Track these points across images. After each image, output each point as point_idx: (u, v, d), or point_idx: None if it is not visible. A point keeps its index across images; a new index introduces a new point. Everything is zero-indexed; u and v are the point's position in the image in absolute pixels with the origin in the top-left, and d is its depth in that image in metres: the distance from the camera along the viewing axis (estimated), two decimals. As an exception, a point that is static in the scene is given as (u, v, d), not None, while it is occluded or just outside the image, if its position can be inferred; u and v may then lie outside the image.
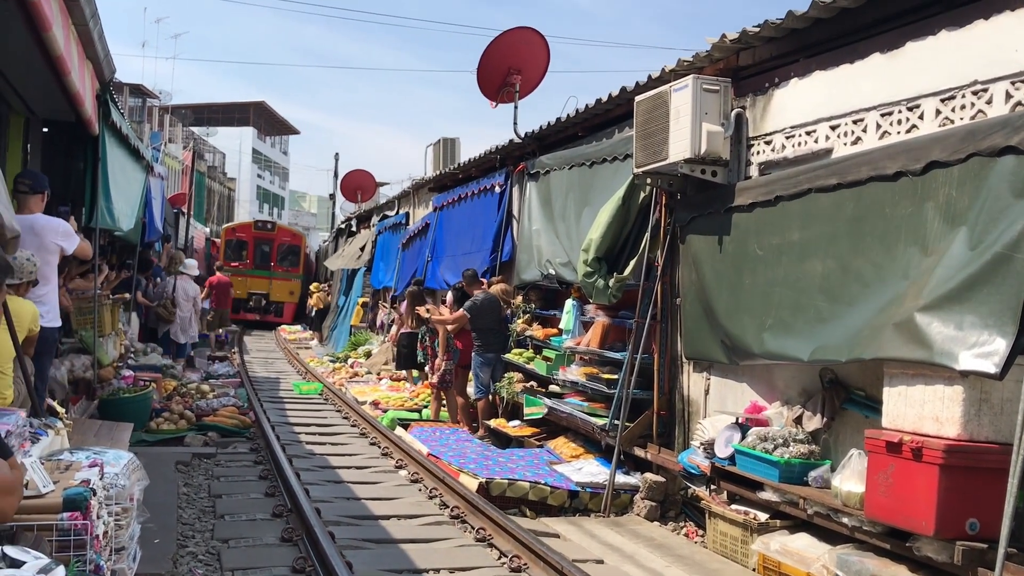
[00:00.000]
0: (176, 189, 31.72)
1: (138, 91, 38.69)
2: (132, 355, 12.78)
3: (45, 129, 10.02)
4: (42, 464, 3.36)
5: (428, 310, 12.04)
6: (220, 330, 21.44)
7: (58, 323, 6.99)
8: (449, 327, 11.23)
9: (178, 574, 5.52)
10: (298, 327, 29.71)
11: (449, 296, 12.47)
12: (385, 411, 11.99)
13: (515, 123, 11.68)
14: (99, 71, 8.01)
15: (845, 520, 5.48)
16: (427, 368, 12.75)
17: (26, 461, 2.98)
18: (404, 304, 14.22)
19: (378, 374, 16.12)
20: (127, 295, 12.51)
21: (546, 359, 9.96)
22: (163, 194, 17.98)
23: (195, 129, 48.12)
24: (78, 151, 9.46)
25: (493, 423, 10.55)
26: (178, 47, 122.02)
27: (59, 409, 5.42)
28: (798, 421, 6.35)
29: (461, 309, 10.96)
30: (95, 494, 3.34)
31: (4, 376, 5.01)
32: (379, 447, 10.11)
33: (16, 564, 2.22)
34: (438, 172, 17.15)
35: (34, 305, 5.46)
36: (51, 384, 7.31)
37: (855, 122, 6.15)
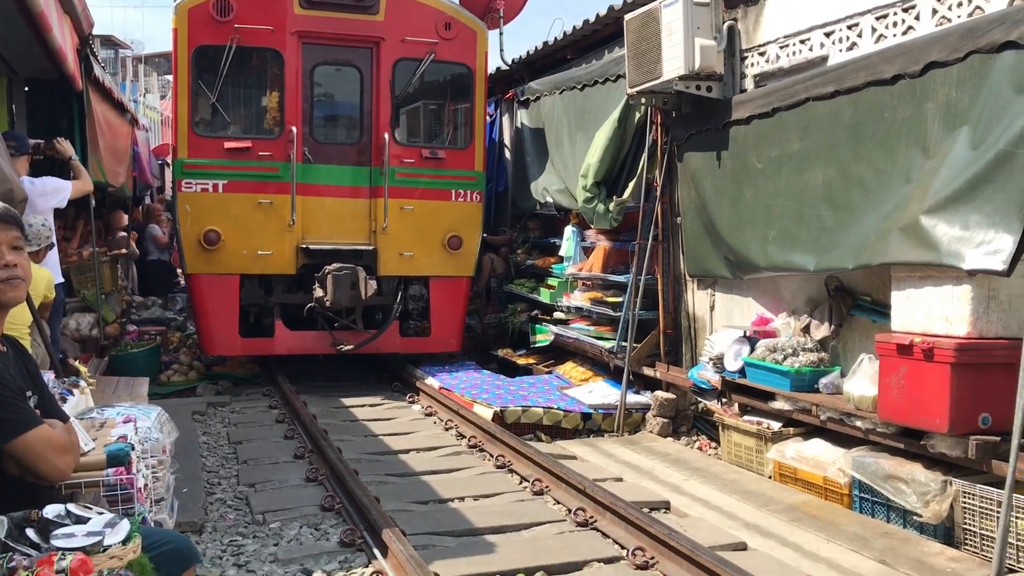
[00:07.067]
0: (158, 140, 31.31)
1: (109, 42, 37.92)
2: (134, 310, 12.81)
3: (27, 88, 9.88)
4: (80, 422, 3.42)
5: None
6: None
7: (61, 280, 6.98)
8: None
9: (211, 520, 5.63)
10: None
11: None
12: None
13: (501, 50, 11.50)
14: (78, 25, 7.85)
15: (858, 423, 5.61)
16: None
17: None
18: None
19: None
20: (124, 250, 12.48)
21: (549, 287, 10.01)
22: (148, 146, 17.81)
23: (169, 78, 47.38)
24: (61, 109, 9.31)
25: (501, 353, 10.66)
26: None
27: (82, 369, 5.47)
28: (806, 330, 6.44)
29: None
30: (134, 449, 3.40)
31: (23, 340, 5.03)
32: (389, 383, 10.21)
33: (81, 520, 2.29)
34: (423, 105, 16.82)
35: (49, 272, 5.47)
36: (62, 344, 7.35)
37: (850, 27, 6.11)
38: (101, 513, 2.34)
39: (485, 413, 7.98)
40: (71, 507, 2.29)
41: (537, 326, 10.02)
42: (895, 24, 5.73)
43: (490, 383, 9.34)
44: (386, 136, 9.52)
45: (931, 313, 5.07)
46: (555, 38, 10.01)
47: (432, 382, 9.55)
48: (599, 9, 8.80)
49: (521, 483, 6.44)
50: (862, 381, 5.61)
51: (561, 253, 9.78)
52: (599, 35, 9.26)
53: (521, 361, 10.19)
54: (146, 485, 3.58)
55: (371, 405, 9.12)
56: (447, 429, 8.09)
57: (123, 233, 12.76)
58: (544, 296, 10.04)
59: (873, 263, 5.53)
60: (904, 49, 5.45)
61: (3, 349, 2.74)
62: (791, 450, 6.20)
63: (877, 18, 5.86)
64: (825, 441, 6.07)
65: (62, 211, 7.53)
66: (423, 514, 5.75)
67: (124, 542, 2.27)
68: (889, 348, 5.22)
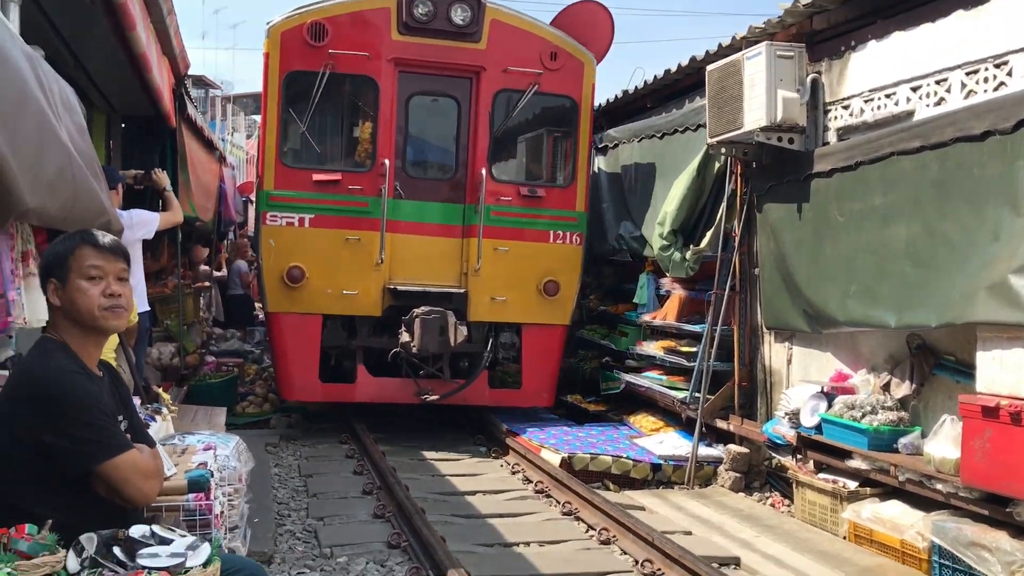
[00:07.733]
0: (243, 178, 32.11)
1: (200, 82, 39.17)
2: (213, 341, 13.13)
3: (123, 124, 10.30)
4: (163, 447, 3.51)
5: None
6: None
7: (147, 307, 7.17)
8: None
9: (280, 552, 5.70)
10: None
11: None
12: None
13: (580, 98, 11.59)
14: (175, 66, 8.20)
15: (939, 486, 5.43)
16: None
17: (151, 446, 3.12)
18: None
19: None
20: (207, 283, 12.84)
21: (621, 334, 9.96)
22: (234, 183, 18.34)
23: (256, 117, 48.84)
24: (153, 144, 9.67)
25: (570, 399, 10.60)
26: (236, 37, 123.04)
27: (164, 396, 5.62)
28: (886, 388, 6.28)
29: None
30: (213, 476, 3.48)
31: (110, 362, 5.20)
32: (457, 424, 10.23)
33: (165, 541, 2.35)
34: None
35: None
36: (145, 372, 7.56)
37: (938, 82, 6.02)
38: (184, 536, 2.40)
39: (552, 459, 7.94)
40: (156, 528, 2.36)
41: (608, 373, 9.96)
42: (986, 80, 5.63)
43: (558, 428, 9.28)
44: (483, 172, 8.87)
45: (1020, 376, 4.91)
46: (636, 87, 10.08)
47: (499, 424, 9.55)
48: (681, 60, 8.84)
49: (588, 531, 6.38)
50: (944, 443, 5.44)
51: (635, 300, 9.74)
52: (680, 85, 9.29)
53: (591, 408, 10.12)
54: (222, 512, 3.65)
55: (438, 446, 9.13)
56: (514, 473, 8.07)
57: (205, 267, 13.13)
58: (615, 343, 9.98)
59: (958, 322, 5.39)
60: (996, 105, 5.35)
61: (99, 374, 2.84)
62: (867, 511, 6.02)
63: (967, 73, 5.77)
64: (903, 503, 5.88)
65: (152, 242, 7.78)
66: (488, 557, 5.74)
67: (204, 564, 2.33)
68: (974, 410, 5.06)
